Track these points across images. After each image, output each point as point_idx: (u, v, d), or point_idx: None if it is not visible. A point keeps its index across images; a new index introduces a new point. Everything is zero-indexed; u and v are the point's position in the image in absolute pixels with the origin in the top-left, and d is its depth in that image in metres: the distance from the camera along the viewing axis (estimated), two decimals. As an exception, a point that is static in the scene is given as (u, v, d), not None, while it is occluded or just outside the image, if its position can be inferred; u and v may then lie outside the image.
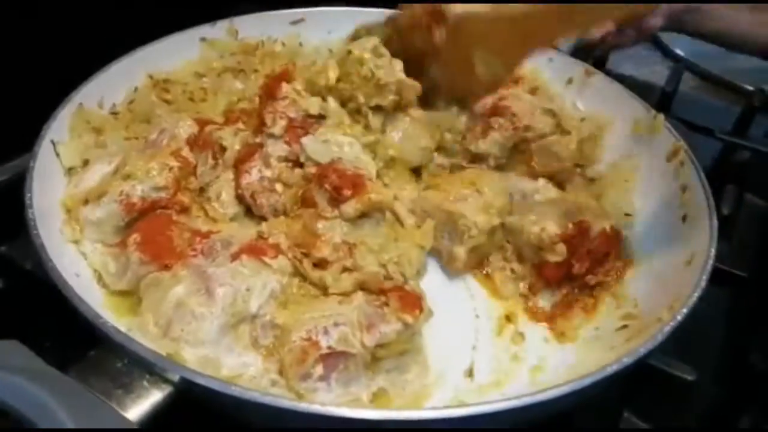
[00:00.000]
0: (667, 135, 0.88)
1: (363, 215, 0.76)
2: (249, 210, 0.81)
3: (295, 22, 1.05)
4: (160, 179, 0.75)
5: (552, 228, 0.78)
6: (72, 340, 0.60)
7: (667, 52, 1.51)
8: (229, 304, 0.65)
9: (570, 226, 0.78)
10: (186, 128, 0.82)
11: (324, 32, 1.08)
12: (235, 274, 0.67)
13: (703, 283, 0.65)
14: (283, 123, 0.81)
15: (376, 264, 0.70)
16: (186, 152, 0.79)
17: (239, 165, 0.81)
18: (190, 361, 0.60)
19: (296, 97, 0.82)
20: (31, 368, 0.51)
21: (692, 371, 0.69)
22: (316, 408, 0.53)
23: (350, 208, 0.75)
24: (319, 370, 0.63)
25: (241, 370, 0.63)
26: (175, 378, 0.54)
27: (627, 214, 0.86)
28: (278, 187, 0.80)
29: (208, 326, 0.63)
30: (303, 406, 0.54)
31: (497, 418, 0.54)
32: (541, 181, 0.86)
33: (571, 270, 0.77)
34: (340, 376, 0.64)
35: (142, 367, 0.54)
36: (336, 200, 0.76)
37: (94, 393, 0.52)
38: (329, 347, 0.63)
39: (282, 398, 0.55)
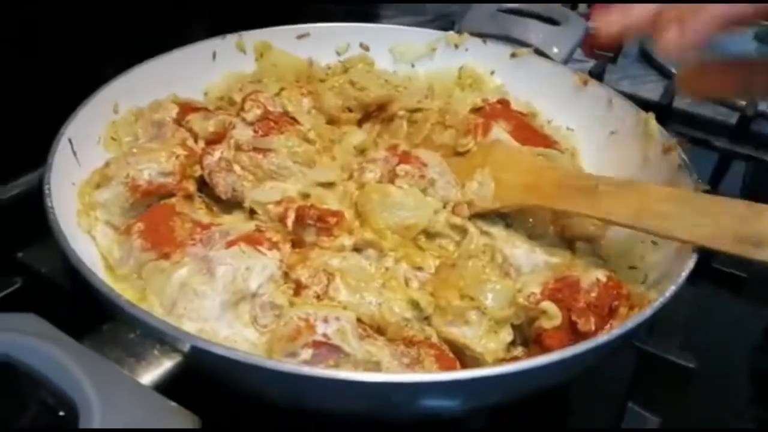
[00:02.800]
0: (659, 136, 0.91)
1: (355, 249, 0.77)
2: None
3: (300, 37, 1.10)
4: (168, 165, 0.79)
5: (531, 289, 0.70)
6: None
7: (661, 70, 1.55)
8: (230, 282, 0.67)
9: (552, 282, 0.70)
10: (169, 113, 0.86)
11: (329, 47, 1.13)
12: (235, 255, 0.70)
13: (692, 264, 0.67)
14: (258, 112, 0.85)
15: (352, 299, 0.70)
16: (191, 142, 0.83)
17: (207, 146, 0.85)
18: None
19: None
20: (49, 335, 0.54)
21: (692, 358, 0.71)
22: (327, 373, 0.54)
23: (345, 240, 0.76)
24: (306, 354, 0.62)
25: (234, 337, 0.66)
26: (186, 348, 0.56)
27: (631, 267, 0.79)
28: (236, 168, 0.82)
29: (210, 303, 0.66)
30: (317, 371, 0.54)
31: (485, 387, 0.57)
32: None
33: (576, 329, 0.68)
34: None
35: (153, 337, 0.57)
36: (325, 230, 0.77)
37: (108, 359, 0.55)
38: (324, 335, 0.62)
39: (290, 363, 0.57)
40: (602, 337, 0.58)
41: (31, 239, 0.81)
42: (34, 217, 0.71)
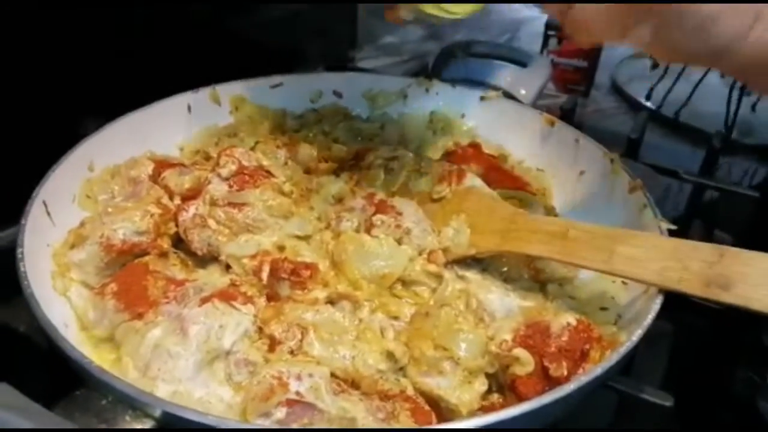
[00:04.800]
0: (624, 176, 0.92)
1: (329, 302, 0.77)
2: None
3: (274, 87, 1.12)
4: (142, 224, 0.80)
5: (502, 336, 0.71)
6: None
7: (633, 104, 1.58)
8: (203, 342, 0.68)
9: (523, 328, 0.72)
10: (143, 170, 0.88)
11: (303, 96, 1.14)
12: (209, 313, 0.70)
13: (657, 307, 0.68)
14: (233, 167, 0.86)
15: (326, 354, 0.70)
16: (166, 200, 0.84)
17: (183, 203, 0.86)
18: (162, 396, 0.62)
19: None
20: (18, 405, 0.54)
21: (668, 397, 0.71)
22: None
23: (318, 293, 0.77)
24: (280, 413, 0.62)
25: (208, 398, 0.66)
26: (157, 413, 0.57)
27: (602, 308, 0.80)
28: (211, 223, 0.83)
29: (184, 364, 0.66)
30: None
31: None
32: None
33: (548, 375, 0.68)
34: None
35: (125, 402, 0.57)
36: (299, 283, 0.78)
37: (79, 428, 0.55)
38: (297, 393, 0.63)
39: (263, 426, 0.57)
40: (570, 386, 0.59)
41: (7, 297, 0.81)
42: (10, 274, 0.71)
